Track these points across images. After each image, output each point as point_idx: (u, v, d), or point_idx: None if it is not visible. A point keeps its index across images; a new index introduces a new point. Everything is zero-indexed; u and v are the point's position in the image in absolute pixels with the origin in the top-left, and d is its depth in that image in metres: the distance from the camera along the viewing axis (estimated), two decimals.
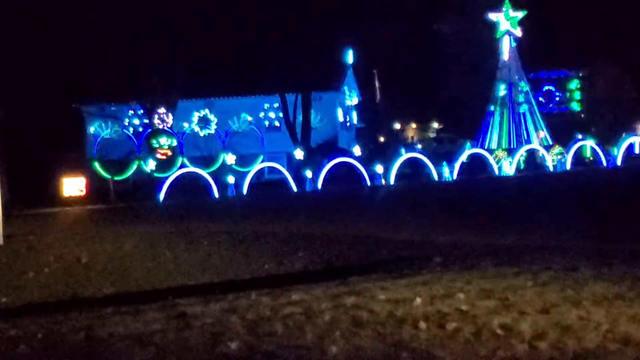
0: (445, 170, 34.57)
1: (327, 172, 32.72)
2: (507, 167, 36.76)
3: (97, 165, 37.80)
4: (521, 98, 48.42)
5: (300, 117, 41.54)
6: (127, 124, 43.04)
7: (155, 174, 35.69)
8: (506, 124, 47.94)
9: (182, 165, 36.39)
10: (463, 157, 36.04)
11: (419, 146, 39.26)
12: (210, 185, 31.37)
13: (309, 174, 32.57)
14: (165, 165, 36.62)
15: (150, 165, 36.39)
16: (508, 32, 47.93)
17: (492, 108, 48.86)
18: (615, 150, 38.35)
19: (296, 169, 34.41)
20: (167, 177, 31.95)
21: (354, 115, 51.27)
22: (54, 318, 8.18)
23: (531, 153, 39.84)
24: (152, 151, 37.91)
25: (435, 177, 34.38)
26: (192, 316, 7.76)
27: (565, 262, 10.09)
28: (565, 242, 12.58)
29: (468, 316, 7.16)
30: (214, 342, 6.70)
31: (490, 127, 48.38)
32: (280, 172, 33.96)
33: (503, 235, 14.08)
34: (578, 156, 39.27)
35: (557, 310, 7.27)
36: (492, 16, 48.18)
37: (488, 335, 6.51)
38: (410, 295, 8.17)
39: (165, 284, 10.75)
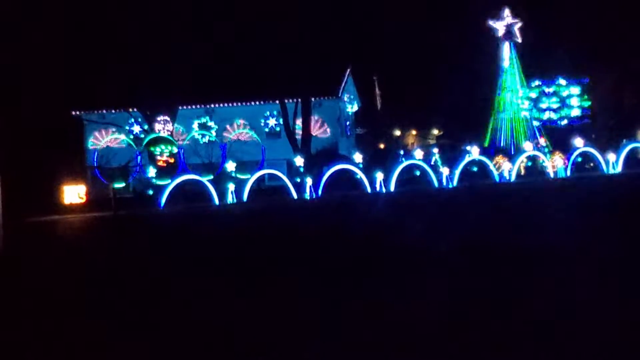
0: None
1: (327, 178, 32.73)
2: (507, 173, 36.72)
3: (97, 172, 37.73)
4: (521, 104, 48.54)
5: (300, 124, 41.49)
6: (127, 131, 43.12)
7: (156, 181, 35.65)
8: (506, 130, 48.06)
9: (183, 172, 36.34)
10: (464, 163, 36.05)
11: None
12: (210, 192, 31.43)
13: (309, 181, 32.54)
14: (165, 172, 36.53)
15: (151, 172, 36.41)
16: (508, 39, 48.11)
17: (492, 114, 48.98)
18: (616, 157, 38.24)
19: (296, 176, 34.36)
20: (168, 184, 31.92)
21: (354, 121, 51.31)
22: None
23: (532, 159, 39.86)
24: (152, 158, 37.89)
25: (436, 183, 34.54)
26: None
27: None
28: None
29: None
30: None
31: (490, 133, 48.50)
32: (280, 179, 33.96)
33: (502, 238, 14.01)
34: (579, 163, 39.23)
35: None
36: (492, 23, 48.37)
37: None
38: None
39: None
